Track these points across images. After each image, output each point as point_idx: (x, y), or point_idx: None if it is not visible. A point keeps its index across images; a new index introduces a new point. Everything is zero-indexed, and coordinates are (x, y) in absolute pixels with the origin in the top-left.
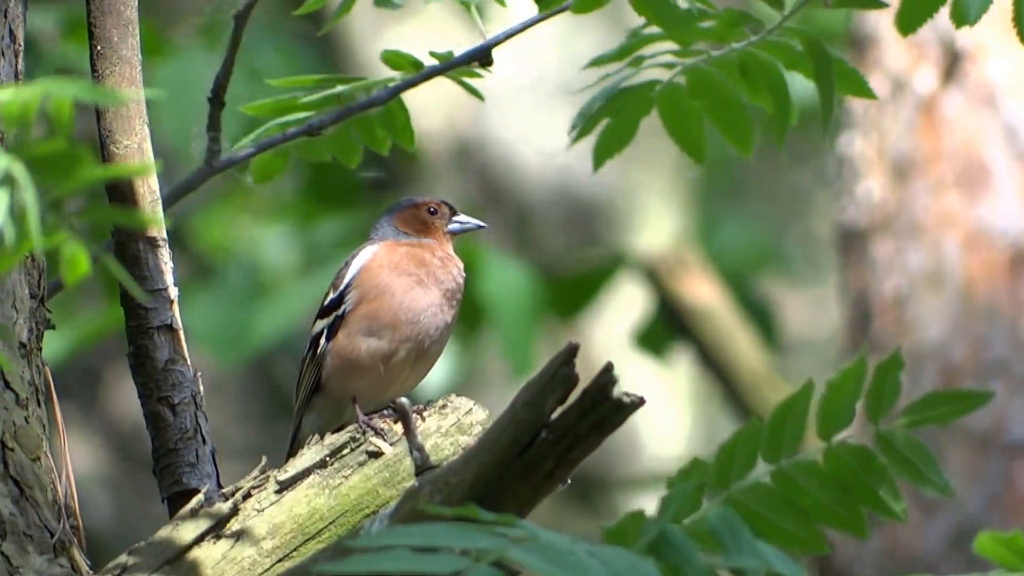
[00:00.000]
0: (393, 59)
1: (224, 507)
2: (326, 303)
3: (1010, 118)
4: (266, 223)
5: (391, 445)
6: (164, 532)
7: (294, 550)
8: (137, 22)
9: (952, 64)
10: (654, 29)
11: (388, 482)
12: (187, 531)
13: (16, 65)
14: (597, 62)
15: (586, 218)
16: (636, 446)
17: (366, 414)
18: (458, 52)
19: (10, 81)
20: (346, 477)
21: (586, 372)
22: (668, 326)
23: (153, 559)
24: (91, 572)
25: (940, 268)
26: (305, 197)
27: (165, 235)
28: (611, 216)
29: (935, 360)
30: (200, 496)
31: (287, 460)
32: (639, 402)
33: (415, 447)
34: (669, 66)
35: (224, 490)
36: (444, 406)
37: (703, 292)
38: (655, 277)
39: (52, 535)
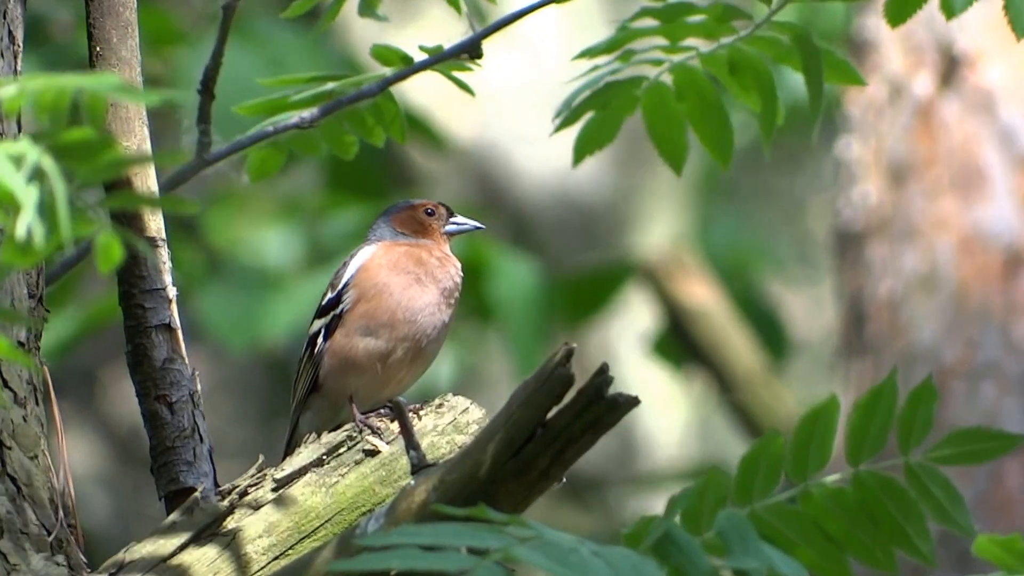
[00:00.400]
0: (383, 54)
1: (221, 505)
2: (324, 303)
3: (1006, 123)
4: (279, 216)
5: (387, 444)
6: (161, 530)
7: (290, 548)
8: (136, 24)
9: (949, 69)
10: (645, 23)
11: (384, 480)
12: (184, 529)
13: (15, 66)
14: (587, 53)
15: (585, 221)
16: (631, 445)
17: (363, 413)
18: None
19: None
20: (342, 475)
21: (583, 372)
22: (676, 332)
23: (150, 557)
24: (88, 570)
25: (934, 271)
26: (319, 191)
27: (164, 235)
28: (610, 218)
29: (928, 362)
30: (197, 494)
31: (283, 459)
32: (633, 402)
33: (411, 446)
34: (657, 62)
35: (221, 488)
36: (440, 405)
37: (699, 293)
38: (653, 278)
39: (49, 533)
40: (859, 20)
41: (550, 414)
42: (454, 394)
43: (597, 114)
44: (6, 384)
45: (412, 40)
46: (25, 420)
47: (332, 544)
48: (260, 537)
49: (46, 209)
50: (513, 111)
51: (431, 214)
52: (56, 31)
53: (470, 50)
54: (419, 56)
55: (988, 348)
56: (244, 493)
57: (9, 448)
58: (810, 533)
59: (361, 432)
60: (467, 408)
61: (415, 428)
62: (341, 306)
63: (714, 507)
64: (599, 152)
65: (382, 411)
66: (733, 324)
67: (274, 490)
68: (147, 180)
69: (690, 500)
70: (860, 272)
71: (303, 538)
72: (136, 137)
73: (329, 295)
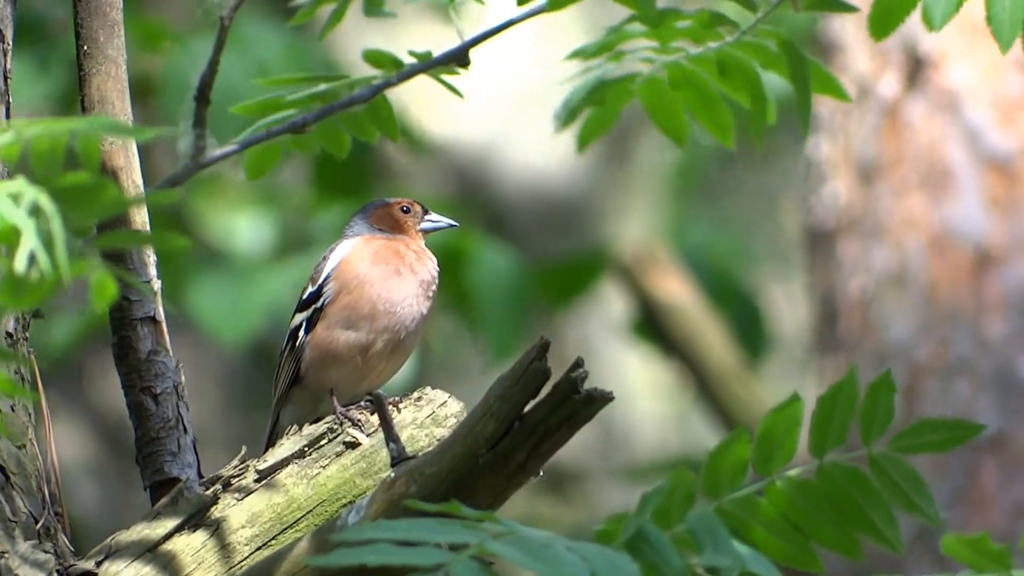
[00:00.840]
0: (375, 58)
1: (204, 496)
2: (305, 296)
3: (971, 123)
4: (253, 204)
5: (368, 436)
6: (146, 520)
7: (272, 539)
8: (122, 23)
9: (915, 70)
10: (634, 27)
11: (365, 472)
12: (169, 519)
13: (6, 64)
14: (577, 55)
15: (561, 216)
16: (610, 438)
17: (343, 406)
18: (437, 53)
19: None
20: (324, 467)
21: (560, 367)
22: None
23: (135, 546)
24: (75, 557)
25: (904, 269)
26: (302, 186)
27: (149, 229)
28: (585, 214)
29: (900, 359)
30: (181, 485)
31: (265, 450)
32: (608, 397)
33: (391, 438)
34: (648, 61)
35: (205, 479)
36: (419, 398)
37: (674, 288)
38: (628, 273)
39: (37, 521)
40: (824, 22)
41: (527, 408)
42: (432, 387)
43: (596, 109)
44: None
45: (395, 40)
46: (13, 410)
47: (309, 536)
48: (243, 527)
49: (44, 248)
50: (490, 107)
51: (407, 211)
52: (49, 30)
53: (458, 58)
54: (409, 60)
55: (960, 345)
56: (227, 484)
57: None
58: (778, 525)
59: (342, 424)
60: (445, 401)
61: (395, 421)
62: (322, 299)
63: (683, 503)
64: (571, 142)
65: (362, 404)
66: (707, 319)
67: (257, 481)
68: (132, 175)
69: (660, 497)
70: (832, 270)
71: (285, 528)
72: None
73: (310, 289)
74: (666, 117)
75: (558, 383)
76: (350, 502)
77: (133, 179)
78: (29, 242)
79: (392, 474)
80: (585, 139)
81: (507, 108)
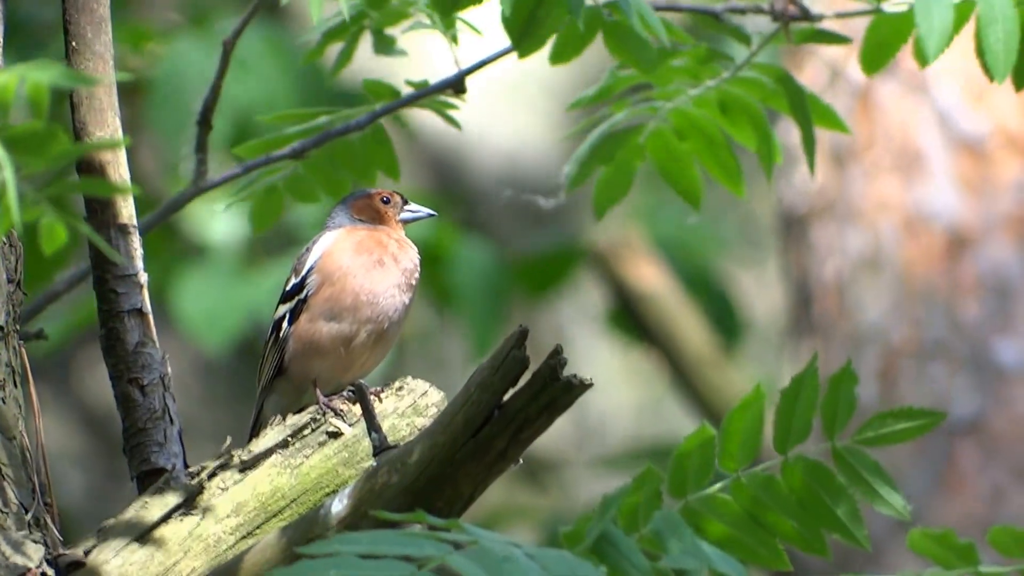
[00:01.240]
0: (373, 88)
1: (190, 486)
2: (288, 288)
3: (942, 105)
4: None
5: (350, 426)
6: (133, 509)
7: (257, 527)
8: (109, 20)
9: None
10: (630, 69)
11: (347, 462)
12: (155, 508)
13: None
14: (578, 104)
15: (534, 206)
16: (586, 427)
17: (326, 396)
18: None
19: None
20: (307, 457)
21: (537, 356)
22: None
23: (123, 535)
24: (64, 547)
25: (878, 252)
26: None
27: (135, 222)
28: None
29: (875, 342)
30: (168, 475)
31: (249, 440)
32: (588, 384)
33: (373, 428)
34: (652, 110)
35: (191, 469)
36: (400, 388)
37: (648, 276)
38: (602, 261)
39: (27, 511)
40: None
41: (506, 396)
42: (413, 377)
43: (608, 169)
44: None
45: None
46: (4, 402)
47: (292, 525)
48: (228, 516)
49: None
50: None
51: (387, 202)
52: (38, 32)
53: (455, 85)
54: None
55: (935, 328)
56: (213, 474)
57: None
58: (744, 523)
59: (325, 415)
60: (426, 391)
61: (376, 411)
62: (305, 291)
63: (650, 503)
64: (547, 134)
65: (345, 394)
66: (682, 306)
67: (241, 471)
68: (119, 169)
69: (626, 497)
70: (805, 254)
71: (270, 518)
72: (109, 127)
73: (293, 280)
74: (678, 176)
75: (537, 371)
76: (333, 491)
77: (120, 173)
78: None
79: (374, 463)
80: (601, 206)
81: (481, 101)
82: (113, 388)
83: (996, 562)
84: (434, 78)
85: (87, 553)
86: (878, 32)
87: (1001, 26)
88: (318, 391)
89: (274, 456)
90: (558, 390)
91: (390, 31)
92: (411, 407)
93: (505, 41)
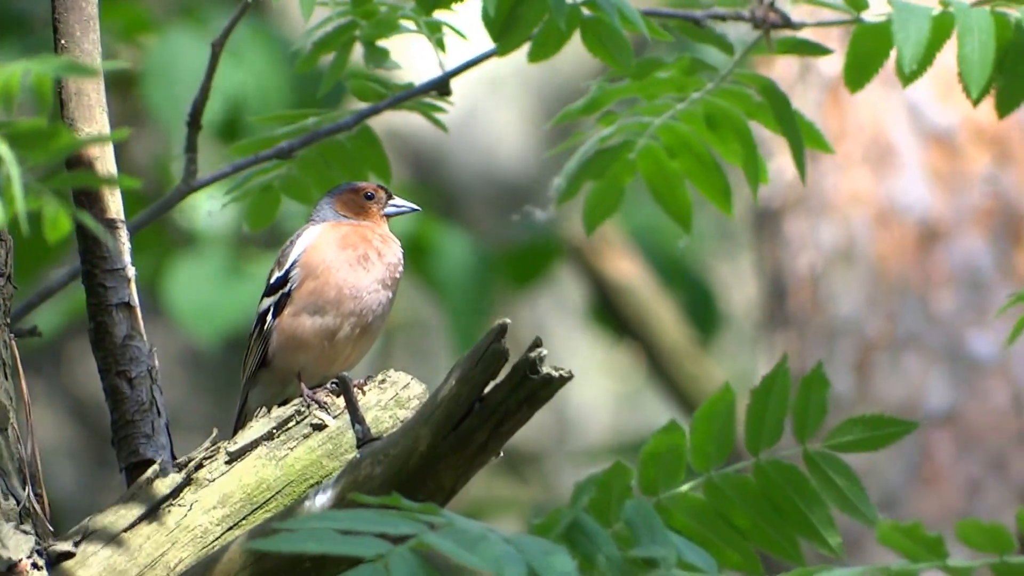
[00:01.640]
0: (359, 89)
1: (178, 477)
2: (272, 281)
3: (913, 98)
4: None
5: (334, 418)
6: (122, 500)
7: (243, 518)
8: (97, 18)
9: None
10: (618, 82)
11: (331, 453)
12: (143, 500)
13: None
14: (565, 117)
15: (512, 199)
16: (565, 419)
17: (310, 388)
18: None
19: None
20: (292, 449)
21: (514, 348)
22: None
23: (112, 526)
24: (54, 538)
25: (851, 244)
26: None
27: (124, 217)
28: (535, 197)
29: (849, 335)
30: (156, 467)
31: (234, 432)
32: (568, 376)
33: (356, 420)
34: (642, 125)
35: (178, 461)
36: (383, 380)
37: (625, 268)
38: (579, 254)
39: (18, 502)
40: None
41: (487, 389)
42: (395, 370)
43: (598, 184)
44: None
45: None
46: None
47: (277, 516)
48: (215, 508)
49: (1, 189)
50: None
51: (371, 197)
52: (33, 25)
53: (440, 87)
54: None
55: (909, 320)
56: (200, 465)
57: None
58: (716, 524)
59: (309, 407)
60: (408, 384)
61: (359, 403)
62: (289, 284)
63: (620, 499)
64: (526, 130)
65: (328, 387)
66: (659, 299)
67: (227, 463)
68: (107, 164)
69: (597, 492)
70: (779, 247)
71: (255, 509)
72: (97, 123)
73: (277, 274)
74: (669, 196)
75: (517, 364)
76: (317, 482)
77: (108, 169)
78: None
79: (358, 455)
80: (592, 222)
81: (461, 97)
82: (102, 381)
83: (968, 556)
84: (419, 79)
85: (77, 544)
86: (860, 47)
87: (976, 37)
88: (302, 384)
89: (259, 448)
90: (538, 383)
91: (382, 43)
92: (393, 399)
93: (488, 43)
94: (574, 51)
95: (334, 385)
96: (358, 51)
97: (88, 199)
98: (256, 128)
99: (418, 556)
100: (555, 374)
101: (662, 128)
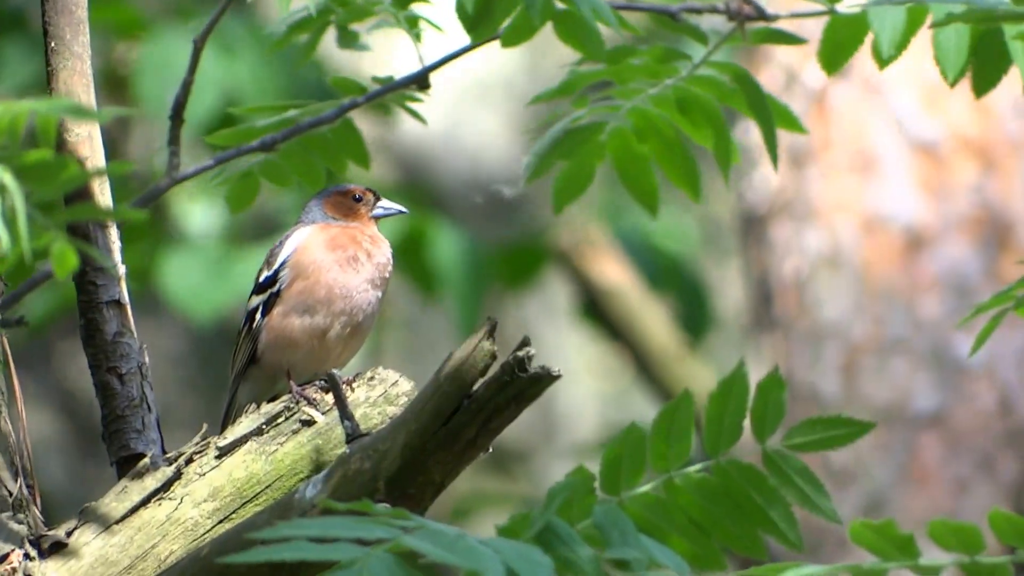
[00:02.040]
0: (340, 84)
1: (168, 471)
2: (261, 280)
3: (897, 108)
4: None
5: (323, 414)
6: (113, 493)
7: (233, 512)
8: (87, 21)
9: None
10: (591, 66)
11: (321, 449)
12: (134, 493)
13: None
14: (539, 99)
15: (498, 204)
16: (552, 418)
17: (299, 385)
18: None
19: None
20: (281, 444)
21: (502, 348)
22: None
23: (103, 518)
24: (46, 529)
25: (837, 250)
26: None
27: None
28: (522, 202)
29: (836, 338)
30: (146, 461)
31: (223, 427)
32: (556, 375)
33: (345, 416)
34: (614, 108)
35: (168, 455)
36: (372, 378)
37: (612, 272)
38: (567, 258)
39: (11, 495)
40: None
41: (476, 386)
42: (384, 367)
43: (568, 164)
44: None
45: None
46: None
47: (267, 510)
48: (205, 501)
49: (7, 223)
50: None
51: (359, 199)
52: (31, 22)
53: (419, 81)
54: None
55: (896, 325)
56: (190, 460)
57: None
58: (680, 522)
59: (298, 403)
60: (397, 381)
61: (348, 400)
62: (278, 284)
63: (584, 499)
64: (511, 136)
65: (317, 383)
66: (646, 301)
67: (217, 457)
68: (97, 164)
69: (565, 493)
70: (765, 252)
71: (245, 502)
72: (87, 124)
73: (266, 273)
74: (637, 179)
75: (506, 362)
76: (307, 477)
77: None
78: None
79: (347, 451)
80: (560, 202)
81: (448, 103)
82: (93, 377)
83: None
84: (402, 75)
85: (68, 535)
86: (835, 33)
87: (952, 27)
88: (292, 381)
89: (249, 443)
90: (526, 381)
91: (355, 27)
92: (382, 396)
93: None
94: (561, 58)
95: (323, 382)
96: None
97: (78, 199)
98: (238, 120)
99: (395, 557)
100: (543, 372)
101: (632, 111)
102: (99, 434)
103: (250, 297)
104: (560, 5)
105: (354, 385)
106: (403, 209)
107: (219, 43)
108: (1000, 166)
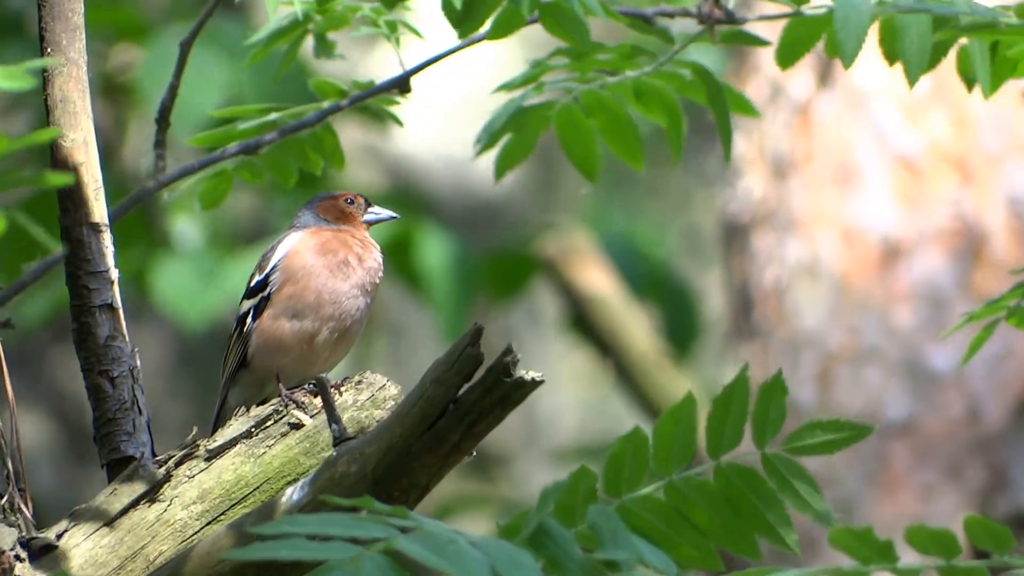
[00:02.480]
0: (321, 87)
1: (158, 473)
2: (252, 284)
3: (879, 121)
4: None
5: (311, 417)
6: (103, 496)
7: (222, 514)
8: (83, 27)
9: (825, 71)
10: (557, 60)
11: (308, 452)
12: (124, 495)
13: None
14: (504, 87)
15: (486, 213)
16: (535, 423)
17: (288, 389)
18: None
19: None
20: (269, 447)
21: (486, 354)
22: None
23: (94, 520)
24: (37, 531)
25: (816, 260)
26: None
27: (108, 221)
28: (509, 211)
29: (813, 347)
30: (137, 463)
31: (213, 430)
32: (539, 380)
33: (333, 420)
34: (568, 91)
35: (158, 457)
36: (360, 382)
37: (597, 280)
38: (552, 266)
39: (2, 497)
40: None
41: (461, 391)
42: (371, 371)
43: (514, 135)
44: None
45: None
46: None
47: (255, 512)
48: (194, 503)
49: None
50: (413, 111)
51: (351, 203)
52: (29, 27)
53: (399, 85)
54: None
55: (870, 334)
56: (179, 462)
57: None
58: (679, 525)
59: (287, 406)
60: (384, 385)
61: (336, 403)
62: (269, 288)
63: (586, 501)
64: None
65: (306, 387)
66: (629, 309)
67: (207, 460)
68: (92, 169)
69: (562, 495)
70: (747, 261)
71: (234, 504)
72: (83, 130)
73: (257, 277)
74: (578, 149)
75: (491, 367)
76: (295, 479)
77: (92, 174)
78: None
79: (335, 453)
80: (503, 166)
81: (437, 115)
82: (84, 380)
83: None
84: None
85: (59, 537)
86: (793, 32)
87: (915, 29)
88: (281, 384)
89: (238, 445)
90: (510, 386)
91: (333, 36)
92: (370, 400)
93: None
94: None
95: (312, 386)
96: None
97: (73, 204)
98: (223, 122)
99: (388, 558)
100: (527, 377)
101: (586, 93)
102: (89, 437)
103: (241, 301)
104: None
105: (342, 389)
106: (394, 214)
107: (221, 47)
108: (977, 179)
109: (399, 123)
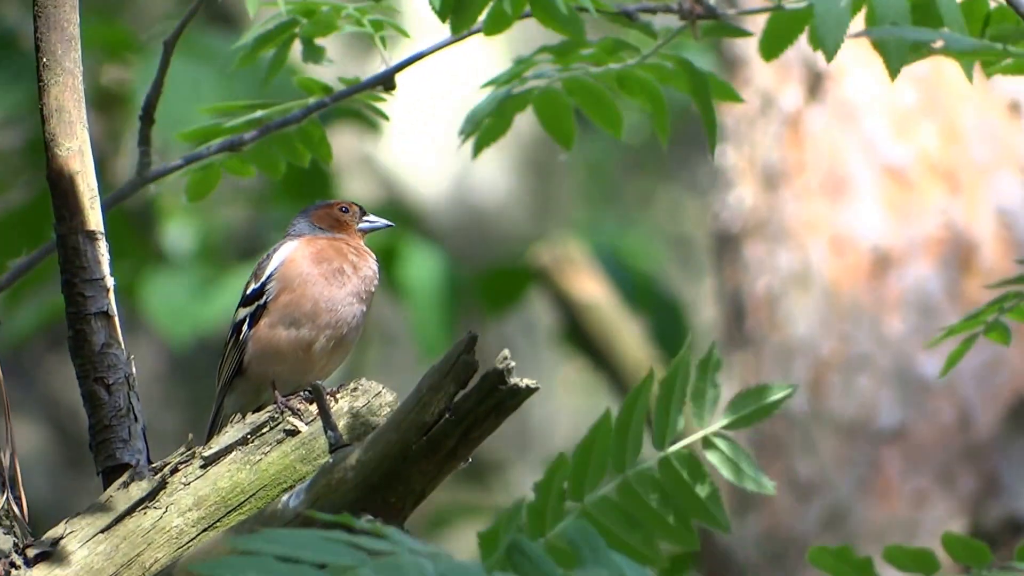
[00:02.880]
0: (307, 84)
1: (154, 480)
2: (248, 292)
3: (869, 132)
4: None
5: (307, 424)
6: (99, 503)
7: (218, 521)
8: (79, 38)
9: (815, 83)
10: (542, 56)
11: (304, 458)
12: (120, 502)
13: None
14: (492, 83)
15: (480, 224)
16: (528, 430)
17: (284, 396)
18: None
19: None
20: (265, 454)
21: (482, 361)
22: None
23: (90, 527)
24: (32, 539)
25: (807, 269)
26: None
27: (103, 229)
28: (503, 221)
29: (804, 354)
30: (132, 470)
31: (209, 437)
32: (533, 388)
33: (329, 426)
34: (550, 78)
35: (154, 465)
36: (355, 389)
37: (590, 289)
38: (546, 275)
39: None
40: (728, 40)
41: (456, 398)
42: (367, 379)
43: (493, 119)
44: None
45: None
46: None
47: (251, 519)
48: (190, 510)
49: None
50: (406, 120)
51: (346, 212)
52: (21, 43)
53: (384, 82)
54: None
55: (861, 342)
56: (175, 469)
57: None
58: (627, 525)
59: (283, 413)
60: (380, 392)
61: (332, 410)
62: (265, 296)
63: (556, 503)
64: (497, 160)
65: (302, 394)
66: (623, 318)
67: (203, 467)
68: (88, 179)
69: (536, 497)
70: (739, 270)
71: (230, 511)
72: (78, 139)
73: (253, 285)
74: (554, 120)
75: (486, 375)
76: (290, 486)
77: (88, 182)
78: None
79: (330, 460)
80: (480, 145)
81: (423, 119)
82: (80, 387)
83: None
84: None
85: (55, 543)
86: (777, 26)
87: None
88: (276, 391)
89: (234, 452)
90: (505, 393)
91: (322, 42)
92: (366, 407)
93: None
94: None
95: (307, 392)
96: (336, 50)
97: (69, 212)
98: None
99: None
100: (522, 385)
101: (568, 79)
102: (85, 444)
103: (237, 309)
104: None
105: (338, 396)
106: (390, 223)
107: (212, 64)
108: (966, 190)
109: (386, 118)
